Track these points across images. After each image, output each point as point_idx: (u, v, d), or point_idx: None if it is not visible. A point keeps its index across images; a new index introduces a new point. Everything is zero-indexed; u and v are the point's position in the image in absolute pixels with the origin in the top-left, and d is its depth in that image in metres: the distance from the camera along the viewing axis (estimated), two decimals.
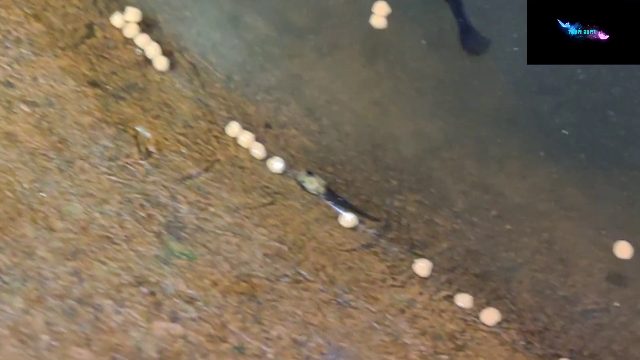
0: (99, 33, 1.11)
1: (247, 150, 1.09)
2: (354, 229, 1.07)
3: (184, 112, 1.09)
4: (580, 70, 1.08)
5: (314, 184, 1.08)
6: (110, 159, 1.02)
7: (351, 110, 1.11)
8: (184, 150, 1.06)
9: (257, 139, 1.10)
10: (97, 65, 1.09)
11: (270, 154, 1.09)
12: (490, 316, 1.02)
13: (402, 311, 1.00)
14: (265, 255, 1.00)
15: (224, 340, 0.93)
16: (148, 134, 1.05)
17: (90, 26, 1.11)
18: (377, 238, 1.06)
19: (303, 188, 1.08)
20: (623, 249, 1.03)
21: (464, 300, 1.03)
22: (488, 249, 1.05)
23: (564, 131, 1.07)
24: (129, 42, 1.12)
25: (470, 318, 1.02)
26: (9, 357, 0.87)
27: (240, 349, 0.93)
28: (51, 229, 0.95)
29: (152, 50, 1.11)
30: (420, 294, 1.03)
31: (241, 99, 1.12)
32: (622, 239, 1.04)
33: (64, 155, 1.00)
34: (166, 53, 1.12)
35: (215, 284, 0.96)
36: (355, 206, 1.08)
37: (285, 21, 1.13)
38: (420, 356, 0.97)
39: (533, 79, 1.09)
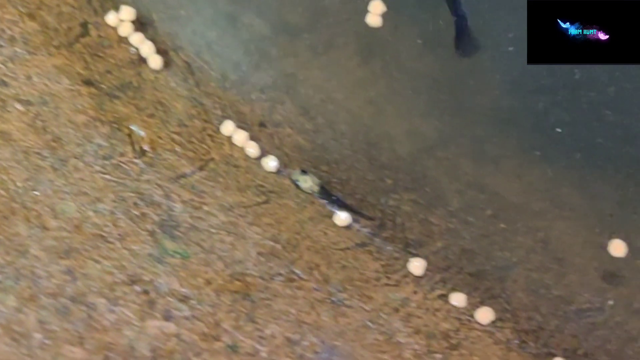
0: (93, 32, 1.11)
1: (241, 149, 1.09)
2: (348, 227, 1.07)
3: (178, 110, 1.09)
4: (576, 70, 1.08)
5: (308, 182, 1.08)
6: (105, 158, 1.02)
7: (346, 109, 1.11)
8: (178, 149, 1.06)
9: (252, 138, 1.10)
10: (92, 64, 1.09)
11: (264, 153, 1.09)
12: (484, 315, 1.02)
13: (396, 310, 1.00)
14: (259, 254, 1.00)
15: (217, 338, 0.93)
16: (142, 133, 1.05)
17: (84, 25, 1.11)
18: (371, 237, 1.06)
19: (297, 187, 1.08)
20: (618, 248, 1.03)
21: (458, 299, 1.03)
22: (483, 248, 1.05)
23: (558, 130, 1.07)
24: (124, 40, 1.12)
25: (464, 317, 1.02)
26: (1, 355, 0.87)
27: (233, 348, 0.93)
28: (45, 228, 0.95)
29: (146, 49, 1.11)
30: (415, 292, 1.03)
31: (236, 98, 1.12)
32: (617, 237, 1.04)
33: (58, 153, 1.00)
34: (161, 52, 1.12)
35: (209, 282, 0.96)
36: (349, 205, 1.07)
37: (280, 20, 1.13)
38: (414, 355, 0.97)
39: (529, 79, 1.09)
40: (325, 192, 1.08)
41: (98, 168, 1.01)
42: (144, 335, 0.91)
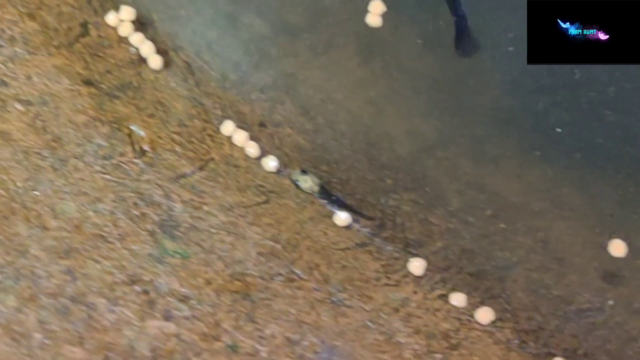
0: (93, 32, 1.11)
1: (241, 149, 1.09)
2: (348, 227, 1.07)
3: (178, 110, 1.09)
4: (576, 70, 1.08)
5: (308, 182, 1.08)
6: (104, 158, 1.02)
7: (346, 109, 1.11)
8: (178, 149, 1.06)
9: (252, 138, 1.10)
10: (92, 64, 1.09)
11: (264, 153, 1.09)
12: (484, 315, 1.02)
13: (396, 310, 1.00)
14: (259, 254, 1.00)
15: (217, 338, 0.93)
16: (142, 133, 1.05)
17: (84, 25, 1.11)
18: (371, 237, 1.06)
19: (297, 187, 1.08)
20: (618, 248, 1.03)
21: (458, 299, 1.03)
22: (483, 248, 1.05)
23: (558, 130, 1.07)
24: (124, 40, 1.12)
25: (464, 317, 1.02)
26: (1, 355, 0.87)
27: (233, 348, 0.93)
28: (45, 228, 0.95)
29: (146, 49, 1.11)
30: (415, 292, 1.03)
31: (236, 98, 1.12)
32: (617, 237, 1.04)
33: (58, 153, 1.00)
34: (161, 52, 1.12)
35: (209, 282, 0.96)
36: (349, 205, 1.07)
37: (280, 20, 1.13)
38: (414, 355, 0.97)
39: (529, 79, 1.09)
40: (325, 192, 1.08)
41: (98, 168, 1.01)
42: (144, 335, 0.91)
